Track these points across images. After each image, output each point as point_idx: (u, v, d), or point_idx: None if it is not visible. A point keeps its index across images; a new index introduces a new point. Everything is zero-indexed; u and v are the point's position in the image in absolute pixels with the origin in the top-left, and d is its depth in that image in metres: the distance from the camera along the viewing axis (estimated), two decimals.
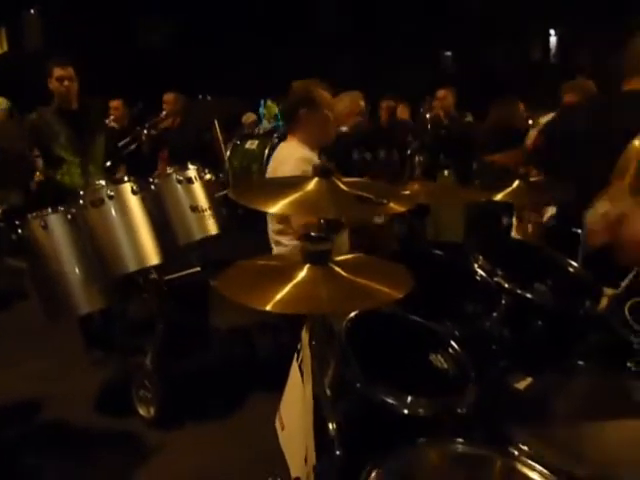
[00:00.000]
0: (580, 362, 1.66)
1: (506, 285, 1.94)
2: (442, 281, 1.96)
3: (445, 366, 1.61)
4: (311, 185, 1.36)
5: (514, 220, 3.20)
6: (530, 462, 1.19)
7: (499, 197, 2.32)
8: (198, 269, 3.11)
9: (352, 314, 1.61)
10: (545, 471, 1.17)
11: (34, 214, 2.57)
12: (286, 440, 1.64)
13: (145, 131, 5.33)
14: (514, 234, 3.07)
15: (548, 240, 2.55)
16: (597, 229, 1.61)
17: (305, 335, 1.42)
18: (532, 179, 2.52)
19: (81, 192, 2.66)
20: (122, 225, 2.60)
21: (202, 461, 2.58)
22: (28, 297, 3.54)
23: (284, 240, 2.79)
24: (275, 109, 7.15)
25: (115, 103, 6.26)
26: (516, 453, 1.22)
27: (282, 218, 2.72)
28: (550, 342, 1.87)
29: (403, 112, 6.30)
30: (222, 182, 3.94)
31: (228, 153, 5.65)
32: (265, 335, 3.09)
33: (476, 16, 16.31)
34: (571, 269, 2.15)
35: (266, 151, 5.59)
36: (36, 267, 2.65)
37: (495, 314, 1.86)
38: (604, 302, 1.93)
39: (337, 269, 1.29)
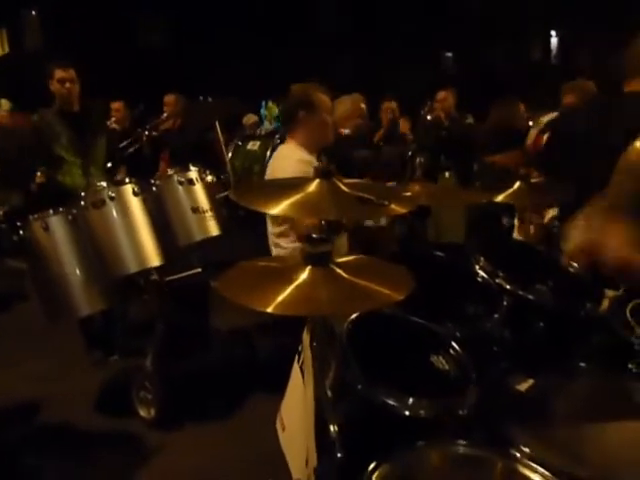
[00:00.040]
0: (581, 364, 1.65)
1: (507, 286, 1.95)
2: (443, 282, 1.95)
3: (446, 367, 1.61)
4: (312, 186, 1.36)
5: (515, 221, 3.21)
6: (531, 464, 1.19)
7: (500, 198, 2.33)
8: (199, 270, 3.10)
9: (353, 316, 1.61)
10: (546, 473, 1.17)
11: (35, 215, 2.57)
12: (287, 441, 1.64)
13: (146, 132, 5.31)
14: (516, 235, 3.07)
15: (549, 241, 2.55)
16: (576, 259, 1.62)
17: (306, 336, 1.43)
18: (533, 180, 2.52)
19: (82, 193, 2.66)
20: (123, 226, 2.60)
21: (202, 462, 2.58)
22: (29, 298, 3.54)
23: (283, 243, 2.79)
24: (276, 110, 7.14)
25: (116, 105, 6.27)
26: (517, 455, 1.22)
27: (283, 220, 2.72)
28: (551, 343, 1.87)
29: (404, 125, 6.27)
30: (223, 183, 3.93)
31: (230, 154, 5.64)
32: (266, 336, 3.09)
33: (476, 17, 16.34)
34: (572, 270, 2.15)
35: (268, 152, 5.56)
36: (37, 268, 2.65)
37: (496, 315, 1.86)
38: (605, 303, 1.93)
39: (338, 271, 1.29)
